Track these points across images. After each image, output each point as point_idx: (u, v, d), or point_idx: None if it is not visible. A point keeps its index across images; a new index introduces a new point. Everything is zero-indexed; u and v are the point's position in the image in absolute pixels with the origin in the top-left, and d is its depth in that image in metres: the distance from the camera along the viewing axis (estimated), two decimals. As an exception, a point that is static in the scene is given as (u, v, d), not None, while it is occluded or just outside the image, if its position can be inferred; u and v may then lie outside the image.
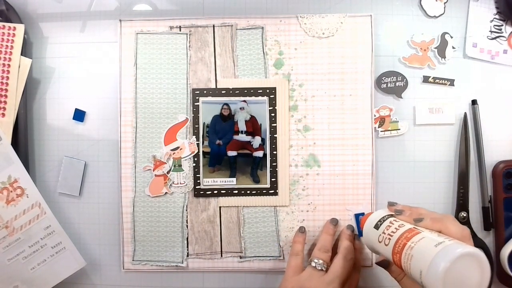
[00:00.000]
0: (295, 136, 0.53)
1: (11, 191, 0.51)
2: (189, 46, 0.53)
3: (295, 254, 0.50)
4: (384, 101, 0.53)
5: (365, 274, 0.53)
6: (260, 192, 0.53)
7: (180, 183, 0.53)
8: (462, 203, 0.52)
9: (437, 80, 0.53)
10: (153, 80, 0.53)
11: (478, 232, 0.53)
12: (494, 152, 0.53)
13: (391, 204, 0.43)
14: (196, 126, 0.53)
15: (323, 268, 0.47)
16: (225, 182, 0.53)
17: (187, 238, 0.53)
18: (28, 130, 0.53)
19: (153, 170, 0.53)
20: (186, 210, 0.53)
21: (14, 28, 0.51)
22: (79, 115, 0.54)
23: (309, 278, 0.46)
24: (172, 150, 0.53)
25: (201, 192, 0.53)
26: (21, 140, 0.52)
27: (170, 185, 0.53)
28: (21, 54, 0.51)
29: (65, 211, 0.54)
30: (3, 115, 0.51)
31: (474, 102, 0.53)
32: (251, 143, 0.53)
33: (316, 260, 0.47)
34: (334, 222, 0.52)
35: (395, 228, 0.39)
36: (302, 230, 0.52)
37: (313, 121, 0.53)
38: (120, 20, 0.53)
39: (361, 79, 0.53)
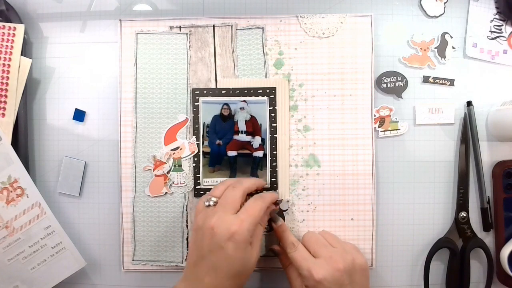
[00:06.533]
0: (295, 136, 0.53)
1: (11, 191, 0.51)
2: (189, 46, 0.53)
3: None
4: (384, 101, 0.53)
5: (365, 274, 0.53)
6: (260, 192, 0.53)
7: (180, 183, 0.53)
8: (462, 203, 0.52)
9: (437, 80, 0.53)
10: (153, 80, 0.53)
11: (478, 233, 0.53)
12: (494, 152, 0.53)
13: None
14: (196, 126, 0.53)
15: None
16: (225, 182, 0.53)
17: (187, 238, 0.53)
18: (28, 130, 0.53)
19: (153, 170, 0.53)
20: (186, 210, 0.53)
21: (14, 28, 0.51)
22: (79, 115, 0.54)
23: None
24: (172, 150, 0.53)
25: (201, 192, 0.53)
26: (21, 140, 0.52)
27: (170, 185, 0.53)
28: (21, 54, 0.51)
29: (65, 211, 0.54)
30: (3, 115, 0.51)
31: (469, 103, 0.53)
32: (251, 143, 0.53)
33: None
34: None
35: None
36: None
37: (313, 121, 0.53)
38: (120, 20, 0.53)
39: (361, 79, 0.53)
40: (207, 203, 0.45)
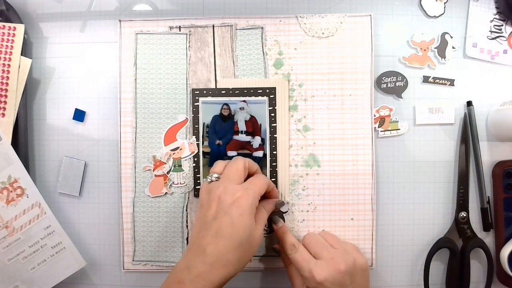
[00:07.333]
0: (295, 136, 0.53)
1: (11, 191, 0.51)
2: (189, 46, 0.53)
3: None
4: (384, 101, 0.53)
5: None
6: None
7: (180, 183, 0.53)
8: (462, 203, 0.52)
9: (437, 80, 0.53)
10: (153, 80, 0.53)
11: (478, 233, 0.53)
12: (494, 152, 0.53)
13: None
14: (196, 126, 0.53)
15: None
16: (225, 182, 0.53)
17: (187, 238, 0.53)
18: (28, 130, 0.53)
19: (153, 170, 0.53)
20: (186, 210, 0.53)
21: (14, 28, 0.51)
22: (79, 115, 0.54)
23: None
24: (172, 150, 0.53)
25: (201, 192, 0.53)
26: (21, 140, 0.52)
27: (170, 185, 0.53)
28: (21, 54, 0.51)
29: (65, 211, 0.54)
30: (3, 115, 0.51)
31: (469, 103, 0.53)
32: (251, 143, 0.53)
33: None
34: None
35: None
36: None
37: (313, 121, 0.53)
38: (120, 20, 0.53)
39: (361, 79, 0.53)
40: (209, 179, 0.46)
